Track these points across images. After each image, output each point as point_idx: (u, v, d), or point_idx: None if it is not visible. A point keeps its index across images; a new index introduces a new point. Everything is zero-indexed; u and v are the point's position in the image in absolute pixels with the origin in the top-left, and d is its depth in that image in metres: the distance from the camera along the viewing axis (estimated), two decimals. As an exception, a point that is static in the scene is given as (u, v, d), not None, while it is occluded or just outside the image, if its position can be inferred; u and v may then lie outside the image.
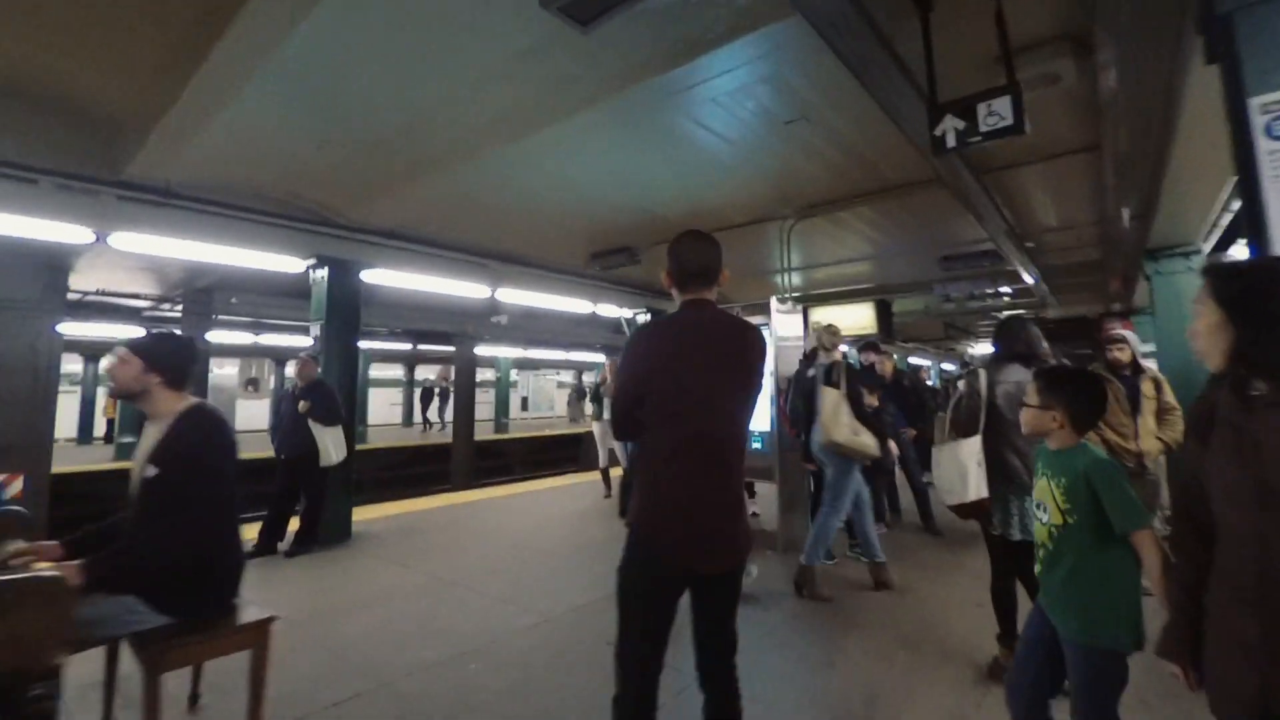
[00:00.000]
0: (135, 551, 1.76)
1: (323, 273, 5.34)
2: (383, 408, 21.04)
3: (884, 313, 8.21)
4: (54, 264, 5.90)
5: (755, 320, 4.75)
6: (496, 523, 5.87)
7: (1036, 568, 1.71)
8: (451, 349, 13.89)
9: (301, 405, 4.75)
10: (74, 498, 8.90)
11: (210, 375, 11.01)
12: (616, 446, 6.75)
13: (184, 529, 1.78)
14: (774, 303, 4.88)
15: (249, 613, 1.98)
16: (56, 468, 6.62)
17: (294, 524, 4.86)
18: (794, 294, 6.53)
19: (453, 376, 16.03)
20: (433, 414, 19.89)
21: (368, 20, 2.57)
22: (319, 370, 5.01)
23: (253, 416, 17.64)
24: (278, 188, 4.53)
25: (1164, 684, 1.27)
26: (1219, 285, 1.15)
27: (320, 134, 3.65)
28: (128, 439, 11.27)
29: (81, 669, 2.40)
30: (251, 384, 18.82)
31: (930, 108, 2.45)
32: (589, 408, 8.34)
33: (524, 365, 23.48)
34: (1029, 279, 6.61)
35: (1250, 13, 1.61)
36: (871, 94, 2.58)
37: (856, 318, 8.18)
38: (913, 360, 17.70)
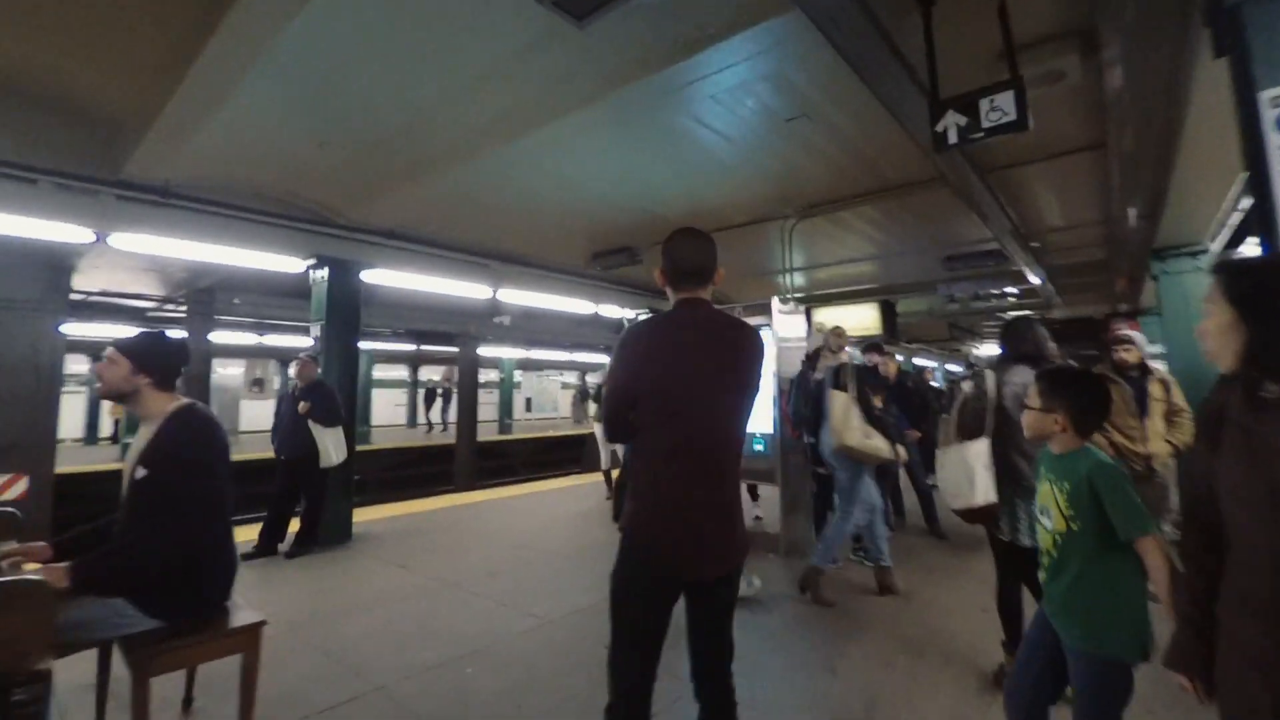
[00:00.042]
0: (125, 553, 1.74)
1: (322, 273, 5.33)
2: (387, 409, 21.07)
3: (888, 313, 8.16)
4: (56, 264, 5.91)
5: (757, 320, 4.73)
6: (498, 524, 5.85)
7: (1041, 574, 1.68)
8: (455, 350, 13.91)
9: (301, 406, 4.74)
10: (78, 498, 8.94)
11: (214, 375, 11.05)
12: (619, 448, 6.73)
13: (174, 530, 1.76)
14: (775, 302, 4.84)
15: (240, 616, 1.96)
16: (61, 468, 6.65)
17: (294, 525, 4.85)
18: (796, 294, 6.50)
19: (455, 377, 16.04)
20: (435, 415, 19.89)
21: (363, 19, 2.55)
22: (319, 371, 5.00)
23: (257, 417, 17.68)
24: (277, 188, 4.53)
25: (1171, 693, 1.23)
26: (1230, 283, 1.10)
27: (319, 134, 3.64)
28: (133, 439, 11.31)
29: (75, 671, 2.40)
30: (257, 384, 18.89)
31: (932, 103, 2.42)
32: (592, 409, 8.31)
33: (528, 366, 23.49)
34: (1034, 279, 6.55)
35: (1259, 3, 1.57)
36: (872, 90, 2.55)
37: (860, 318, 8.13)
38: (917, 361, 17.60)
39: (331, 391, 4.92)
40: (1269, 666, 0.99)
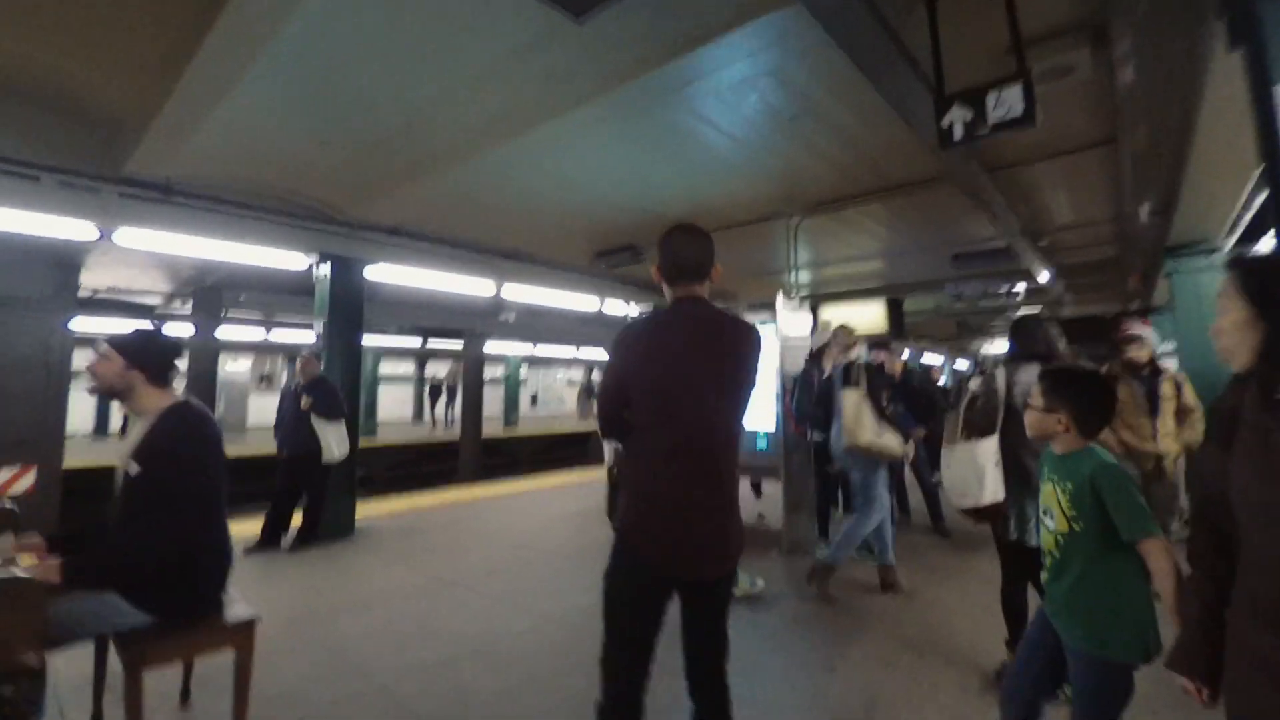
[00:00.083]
0: (118, 549, 1.74)
1: (326, 269, 5.35)
2: (394, 404, 21.17)
3: (895, 311, 8.10)
4: (64, 261, 5.97)
5: (761, 317, 4.69)
6: (499, 522, 5.85)
7: (1043, 575, 1.65)
8: (459, 346, 13.94)
9: (304, 402, 4.75)
10: (86, 492, 9.03)
11: (222, 371, 11.12)
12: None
13: (167, 526, 1.75)
14: (780, 299, 4.80)
15: (233, 612, 1.96)
16: (70, 462, 6.72)
17: (297, 519, 4.87)
18: (802, 293, 6.44)
19: (460, 373, 16.05)
20: (439, 410, 19.88)
21: (363, 18, 2.53)
22: (321, 367, 5.02)
23: (266, 413, 17.78)
24: (278, 186, 4.53)
25: (1174, 694, 1.20)
26: (1247, 279, 1.07)
27: (319, 133, 3.63)
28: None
29: (72, 665, 2.41)
30: (265, 380, 19.02)
31: (937, 99, 2.37)
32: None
33: (534, 362, 23.51)
34: (1043, 277, 6.47)
35: (1276, -7, 1.52)
36: (876, 86, 2.51)
37: (868, 316, 8.08)
38: (925, 359, 17.46)
39: (334, 387, 4.94)
40: (1278, 669, 0.96)
